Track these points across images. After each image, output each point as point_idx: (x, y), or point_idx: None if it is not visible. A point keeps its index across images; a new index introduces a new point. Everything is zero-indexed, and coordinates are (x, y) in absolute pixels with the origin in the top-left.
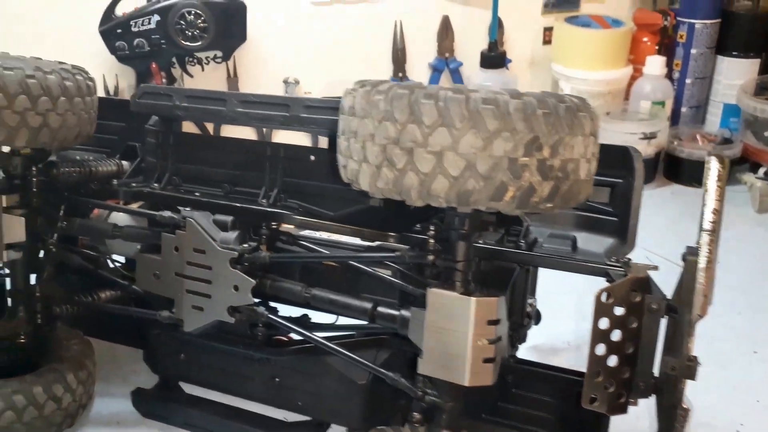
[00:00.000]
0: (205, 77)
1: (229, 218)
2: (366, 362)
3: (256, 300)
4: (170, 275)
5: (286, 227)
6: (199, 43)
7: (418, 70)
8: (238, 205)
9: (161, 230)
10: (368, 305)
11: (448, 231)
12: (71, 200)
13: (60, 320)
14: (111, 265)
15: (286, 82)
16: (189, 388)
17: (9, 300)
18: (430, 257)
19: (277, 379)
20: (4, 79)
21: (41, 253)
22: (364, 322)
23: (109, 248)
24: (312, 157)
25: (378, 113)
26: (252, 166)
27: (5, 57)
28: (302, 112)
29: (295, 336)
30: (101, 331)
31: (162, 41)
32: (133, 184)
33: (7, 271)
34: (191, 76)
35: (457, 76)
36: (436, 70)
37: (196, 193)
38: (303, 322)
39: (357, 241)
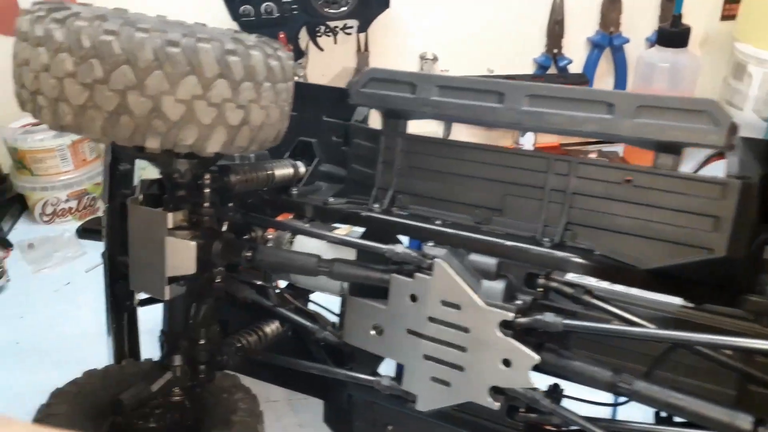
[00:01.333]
0: (333, 51)
1: (491, 261)
2: None
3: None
4: (400, 332)
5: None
6: (343, 8)
7: (576, 46)
8: (509, 243)
9: (389, 269)
10: (747, 422)
11: None
12: (248, 217)
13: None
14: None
15: (423, 58)
16: None
17: (161, 345)
18: None
19: None
20: (199, 54)
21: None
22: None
23: (293, 278)
24: (627, 179)
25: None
26: (521, 188)
27: (165, 22)
28: (634, 117)
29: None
30: (265, 371)
31: (293, 6)
32: (331, 200)
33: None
34: (321, 49)
35: (620, 55)
36: (596, 47)
37: (437, 221)
38: (556, 396)
39: (671, 299)
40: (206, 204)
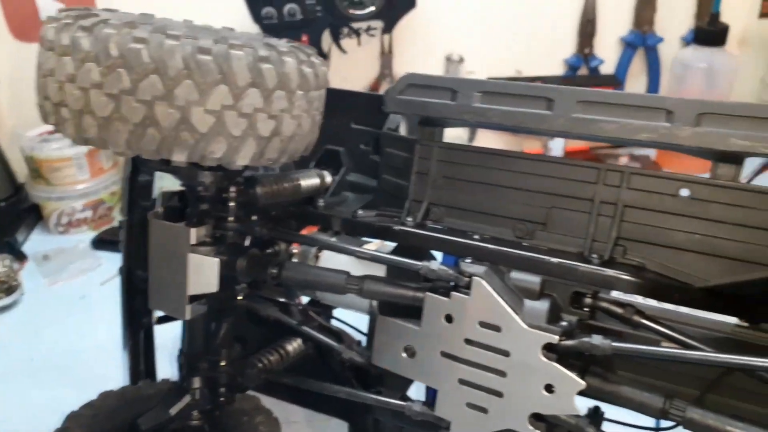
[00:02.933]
0: (356, 53)
1: (535, 279)
2: None
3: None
4: (434, 355)
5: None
6: (369, 9)
7: (608, 46)
8: (554, 260)
9: (423, 287)
10: None
11: None
12: (273, 232)
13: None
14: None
15: (449, 59)
16: None
17: (180, 366)
18: None
19: None
20: (231, 62)
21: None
22: None
23: (319, 296)
24: (684, 192)
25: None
26: (568, 200)
27: (193, 27)
28: (695, 125)
29: None
30: (286, 391)
31: (317, 8)
32: (360, 212)
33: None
34: (344, 51)
35: (654, 55)
36: (629, 46)
37: (475, 236)
38: (597, 419)
39: (724, 317)
40: (231, 218)
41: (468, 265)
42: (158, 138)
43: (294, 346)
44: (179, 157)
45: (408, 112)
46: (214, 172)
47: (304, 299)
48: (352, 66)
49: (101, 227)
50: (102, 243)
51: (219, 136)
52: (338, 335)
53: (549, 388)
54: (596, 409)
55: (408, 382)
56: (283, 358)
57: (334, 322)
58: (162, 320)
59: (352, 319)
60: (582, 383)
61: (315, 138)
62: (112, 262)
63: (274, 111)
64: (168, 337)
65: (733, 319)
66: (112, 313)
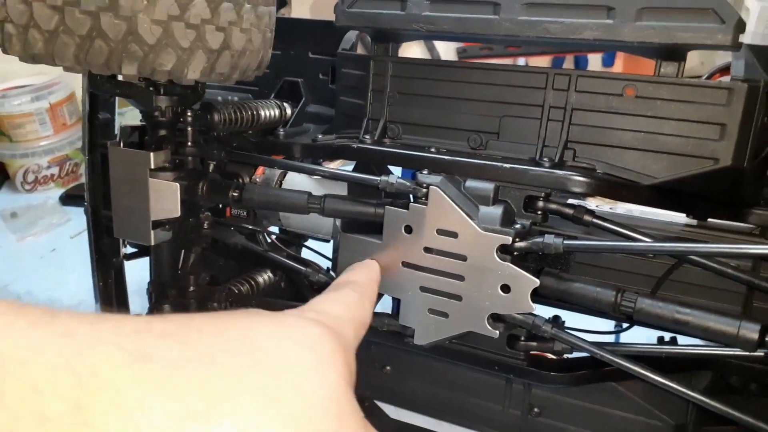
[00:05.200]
0: None
1: (489, 186)
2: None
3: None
4: (395, 266)
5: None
6: None
7: None
8: (507, 166)
9: (383, 203)
10: (754, 331)
11: None
12: (232, 156)
13: None
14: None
15: None
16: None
17: (149, 295)
18: None
19: (536, 410)
20: None
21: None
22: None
23: (284, 222)
24: (628, 91)
25: None
26: (519, 108)
27: None
28: (636, 19)
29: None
30: None
31: None
32: (320, 136)
33: (126, 250)
34: None
35: None
36: None
37: (431, 149)
38: (557, 326)
39: (674, 215)
40: (189, 143)
41: (425, 176)
42: (106, 50)
43: (264, 277)
44: (129, 70)
45: (359, 25)
46: (169, 97)
47: (274, 233)
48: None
49: (69, 184)
50: (70, 199)
51: (167, 47)
52: (306, 262)
53: (505, 288)
54: (555, 317)
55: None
56: (253, 289)
57: (308, 254)
58: (131, 256)
59: (323, 249)
60: (536, 281)
61: (267, 56)
62: (81, 216)
63: (222, 23)
64: (141, 284)
65: (684, 220)
66: (85, 264)
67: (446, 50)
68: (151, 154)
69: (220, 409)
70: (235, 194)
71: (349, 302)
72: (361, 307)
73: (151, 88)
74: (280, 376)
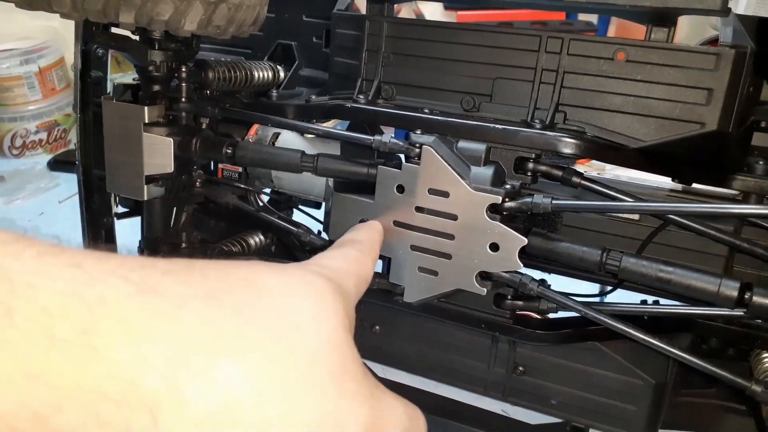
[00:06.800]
0: None
1: (480, 146)
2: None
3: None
4: (387, 225)
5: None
6: None
7: None
8: (498, 127)
9: (376, 162)
10: (733, 289)
11: None
12: (226, 113)
13: None
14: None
15: None
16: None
17: (141, 254)
18: None
19: (521, 368)
20: None
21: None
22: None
23: (277, 183)
24: (619, 55)
25: None
26: (512, 70)
27: None
28: None
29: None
30: None
31: None
32: (313, 97)
33: (117, 209)
34: None
35: None
36: None
37: (425, 110)
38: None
39: (660, 180)
40: (183, 99)
41: (418, 136)
42: None
43: (255, 239)
44: (126, 18)
45: None
46: (164, 52)
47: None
48: None
49: (57, 150)
50: (59, 164)
51: None
52: (297, 224)
53: (494, 247)
54: (542, 281)
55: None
56: (244, 250)
57: (298, 216)
58: (122, 216)
59: (315, 213)
60: (524, 239)
61: (263, 14)
62: (69, 182)
63: None
64: (131, 248)
65: (668, 187)
66: (74, 227)
67: (432, 14)
68: (146, 108)
69: (224, 344)
70: (229, 151)
71: (352, 258)
72: (363, 263)
73: (147, 44)
74: (283, 318)
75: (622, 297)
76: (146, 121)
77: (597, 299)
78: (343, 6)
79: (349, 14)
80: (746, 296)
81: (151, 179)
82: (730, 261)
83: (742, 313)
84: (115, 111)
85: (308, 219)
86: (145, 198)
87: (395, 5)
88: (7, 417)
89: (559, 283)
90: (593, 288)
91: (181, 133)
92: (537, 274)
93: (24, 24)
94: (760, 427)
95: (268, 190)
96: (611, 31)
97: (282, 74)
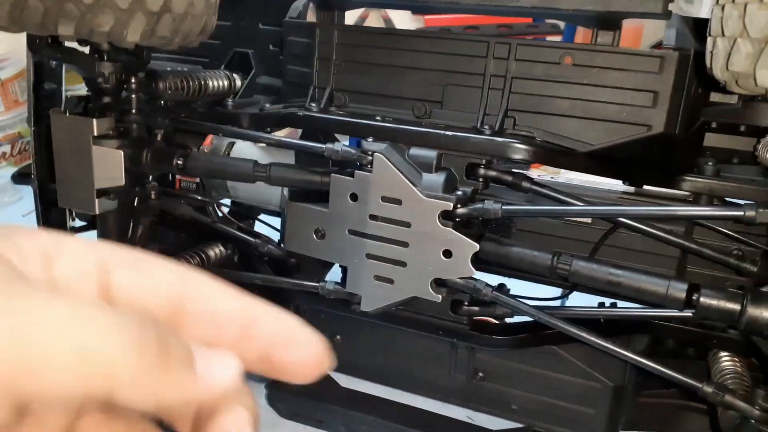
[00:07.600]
0: None
1: (432, 153)
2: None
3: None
4: (341, 234)
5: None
6: None
7: None
8: (449, 134)
9: (329, 171)
10: (681, 290)
11: None
12: (178, 124)
13: None
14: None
15: None
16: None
17: None
18: None
19: (480, 374)
20: None
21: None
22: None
23: (233, 193)
24: (566, 60)
25: None
26: (461, 76)
27: None
28: None
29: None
30: None
31: None
32: (267, 105)
33: (74, 223)
34: None
35: None
36: None
37: (377, 117)
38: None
39: (613, 183)
40: (133, 111)
41: (370, 144)
42: (41, 9)
43: (216, 251)
44: (66, 30)
45: None
46: (113, 63)
47: (226, 206)
48: None
49: (21, 162)
50: (23, 177)
51: (105, 8)
52: (256, 235)
53: (447, 254)
54: (501, 285)
55: (324, 269)
56: (203, 262)
57: (261, 228)
58: (78, 229)
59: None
60: (476, 245)
61: (211, 23)
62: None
63: None
64: None
65: (620, 190)
66: None
67: (401, 19)
68: (94, 120)
69: None
70: (180, 162)
71: None
72: None
73: (95, 55)
74: None
75: (584, 300)
76: (95, 134)
77: (558, 302)
78: (295, 14)
79: (299, 22)
80: (694, 297)
81: (102, 192)
82: (683, 262)
83: (691, 314)
84: (65, 124)
85: (270, 230)
86: (97, 212)
87: (358, 10)
88: None
89: (524, 288)
90: (558, 292)
91: (132, 146)
92: (499, 279)
93: None
94: (715, 428)
95: (228, 201)
96: (579, 33)
97: (238, 82)
